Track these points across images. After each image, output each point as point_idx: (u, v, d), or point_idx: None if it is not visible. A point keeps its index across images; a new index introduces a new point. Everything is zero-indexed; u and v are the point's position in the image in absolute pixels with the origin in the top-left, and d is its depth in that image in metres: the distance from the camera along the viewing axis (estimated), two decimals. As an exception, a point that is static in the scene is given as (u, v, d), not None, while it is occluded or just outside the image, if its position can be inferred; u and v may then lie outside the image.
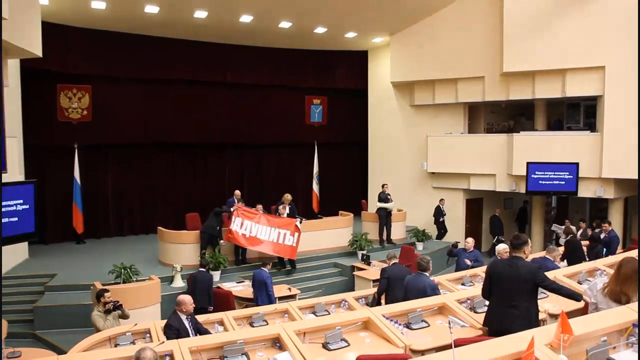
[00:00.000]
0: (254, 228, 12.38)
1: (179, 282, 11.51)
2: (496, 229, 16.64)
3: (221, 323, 6.62)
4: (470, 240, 9.70)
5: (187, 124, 16.75)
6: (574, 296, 5.01)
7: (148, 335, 6.14)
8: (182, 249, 12.59)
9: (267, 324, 6.51)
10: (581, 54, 13.93)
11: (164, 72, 16.05)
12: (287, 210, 13.29)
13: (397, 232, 15.28)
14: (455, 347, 3.57)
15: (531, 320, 4.91)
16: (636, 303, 4.11)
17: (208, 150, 17.63)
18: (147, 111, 16.11)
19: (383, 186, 14.94)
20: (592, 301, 4.77)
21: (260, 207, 13.14)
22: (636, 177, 13.56)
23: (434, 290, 6.78)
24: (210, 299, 9.58)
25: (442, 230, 16.63)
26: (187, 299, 6.50)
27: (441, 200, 16.70)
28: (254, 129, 17.91)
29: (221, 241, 12.41)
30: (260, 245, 12.39)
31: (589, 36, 13.75)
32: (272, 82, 18.01)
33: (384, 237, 14.88)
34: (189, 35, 15.92)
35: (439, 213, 16.62)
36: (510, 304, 4.98)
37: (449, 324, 3.12)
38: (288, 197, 13.62)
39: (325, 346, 5.09)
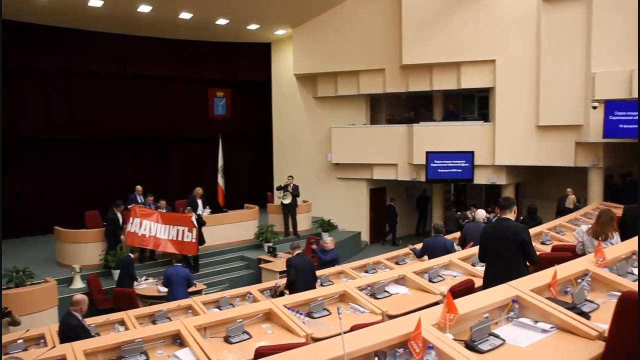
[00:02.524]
0: (153, 227, 12.12)
1: (78, 283, 11.12)
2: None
3: (122, 323, 6.43)
4: (329, 239, 9.67)
5: (85, 117, 16.06)
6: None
7: (42, 340, 5.89)
8: (82, 248, 12.18)
9: (171, 321, 6.37)
10: (474, 48, 14.61)
11: (58, 64, 15.28)
12: (201, 206, 13.15)
13: (303, 223, 15.44)
14: (350, 332, 3.71)
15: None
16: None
17: (108, 145, 16.93)
18: (41, 104, 15.31)
19: (287, 178, 15.03)
20: (579, 240, 6.27)
21: (163, 202, 12.88)
22: (524, 164, 14.50)
23: (452, 246, 8.42)
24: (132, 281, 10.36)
25: (393, 231, 17.22)
26: (85, 298, 6.34)
27: (392, 199, 17.10)
28: (156, 122, 17.47)
29: (122, 237, 12.06)
30: (161, 244, 12.17)
31: (481, 32, 14.46)
32: (174, 74, 17.63)
33: (290, 228, 14.98)
34: (84, 25, 15.23)
35: (393, 213, 17.10)
36: (500, 265, 5.20)
37: (338, 310, 3.20)
38: (199, 190, 13.53)
39: (226, 340, 5.06)
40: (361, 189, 17.47)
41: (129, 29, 16.08)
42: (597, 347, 3.32)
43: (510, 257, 5.25)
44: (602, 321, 3.59)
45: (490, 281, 5.19)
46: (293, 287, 7.50)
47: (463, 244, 9.19)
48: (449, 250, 8.26)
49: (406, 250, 9.95)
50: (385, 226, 17.84)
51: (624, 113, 12.03)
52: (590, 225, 6.43)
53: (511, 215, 5.52)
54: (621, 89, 12.25)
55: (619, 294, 3.37)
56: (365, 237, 17.42)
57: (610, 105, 12.14)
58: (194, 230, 12.13)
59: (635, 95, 11.98)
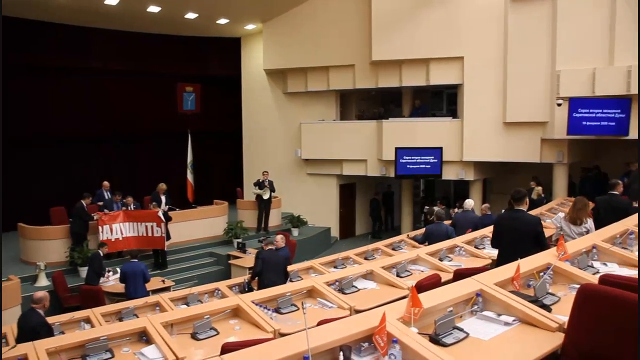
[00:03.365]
0: (123, 228, 12.24)
1: (43, 281, 10.93)
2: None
3: (88, 320, 6.36)
4: (280, 237, 9.33)
5: (48, 113, 15.75)
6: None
7: (4, 340, 5.79)
8: (47, 245, 11.96)
9: (138, 317, 6.31)
10: (443, 45, 14.73)
11: (23, 58, 14.91)
12: (164, 201, 13.03)
13: (273, 218, 15.42)
14: (317, 327, 3.73)
15: None
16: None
17: (74, 141, 16.61)
18: (4, 100, 14.90)
19: (263, 173, 14.97)
20: (557, 226, 7.02)
21: (130, 199, 12.76)
22: (492, 160, 14.71)
23: (452, 232, 9.00)
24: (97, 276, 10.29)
25: (376, 224, 17.62)
26: (47, 294, 6.32)
27: (376, 193, 17.14)
28: (124, 117, 17.22)
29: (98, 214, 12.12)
30: (133, 242, 12.22)
31: (450, 29, 14.58)
32: (142, 69, 17.40)
33: (262, 224, 14.94)
34: (49, 17, 14.90)
35: (378, 207, 17.37)
36: (516, 253, 5.32)
37: (303, 305, 3.22)
38: (163, 186, 13.34)
39: (193, 336, 5.03)
40: (331, 184, 17.52)
41: (95, 22, 15.79)
42: (557, 339, 3.39)
43: (522, 246, 5.61)
44: (562, 313, 3.67)
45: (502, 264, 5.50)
46: (259, 279, 7.51)
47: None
48: (449, 236, 8.78)
49: (374, 245, 10.05)
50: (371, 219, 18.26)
51: (587, 110, 12.29)
52: (567, 212, 7.09)
53: (523, 207, 6.04)
54: (584, 87, 12.49)
55: (579, 286, 3.44)
56: (335, 232, 17.48)
57: (574, 103, 12.37)
58: (162, 225, 12.11)
59: (598, 93, 12.29)
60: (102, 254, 10.51)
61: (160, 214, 12.13)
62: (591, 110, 12.25)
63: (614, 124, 12.17)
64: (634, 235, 5.72)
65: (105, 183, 13.23)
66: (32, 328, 5.74)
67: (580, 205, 6.75)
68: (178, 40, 17.91)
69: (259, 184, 14.78)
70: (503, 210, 8.27)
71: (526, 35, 13.53)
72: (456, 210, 12.90)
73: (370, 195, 18.27)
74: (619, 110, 12.11)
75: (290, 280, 7.76)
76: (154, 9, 15.02)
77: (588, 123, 12.33)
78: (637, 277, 4.44)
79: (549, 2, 13.15)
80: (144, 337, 4.93)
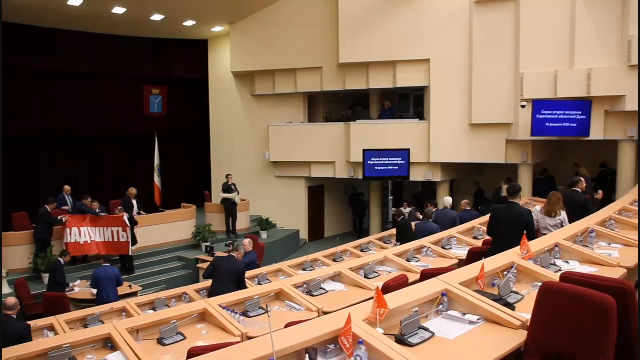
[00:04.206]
0: (92, 232, 12.12)
1: (5, 289, 10.64)
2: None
3: (51, 328, 6.22)
4: (247, 241, 9.24)
5: (10, 114, 15.30)
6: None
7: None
8: (8, 252, 11.64)
9: (104, 324, 6.20)
10: (409, 48, 14.87)
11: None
12: (136, 206, 12.92)
13: (241, 222, 15.32)
14: (284, 329, 3.72)
15: None
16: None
17: (38, 144, 16.28)
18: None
19: (227, 176, 14.90)
20: (535, 218, 7.16)
21: (96, 204, 12.54)
22: (458, 161, 14.89)
23: (438, 229, 9.46)
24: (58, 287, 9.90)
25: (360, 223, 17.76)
26: (17, 299, 6.19)
27: (361, 194, 17.14)
28: (89, 120, 16.90)
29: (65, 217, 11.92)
30: (101, 247, 12.11)
31: (416, 31, 14.73)
32: (107, 71, 17.09)
33: (230, 227, 14.85)
34: (11, 18, 14.54)
35: (362, 204, 17.42)
36: (509, 242, 5.90)
37: (266, 308, 3.21)
38: (133, 191, 13.23)
39: (160, 342, 4.95)
40: (299, 187, 17.49)
41: (58, 23, 15.50)
42: (520, 336, 3.45)
43: (514, 234, 6.02)
44: (526, 311, 3.73)
45: (495, 251, 5.93)
46: (210, 286, 7.42)
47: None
48: (434, 233, 9.28)
49: (343, 247, 10.11)
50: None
51: (550, 112, 12.55)
52: (543, 206, 7.65)
53: (518, 200, 6.82)
54: (547, 89, 12.75)
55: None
56: (303, 235, 17.46)
57: (538, 105, 12.61)
58: (128, 230, 12.00)
59: (560, 95, 12.56)
60: (63, 263, 10.23)
61: (126, 218, 12.00)
62: (554, 112, 12.51)
63: (575, 125, 12.46)
64: (594, 233, 5.86)
65: (67, 187, 12.99)
66: (19, 334, 5.60)
67: (555, 199, 7.29)
68: (144, 42, 17.67)
69: (227, 188, 14.68)
70: (480, 208, 8.71)
71: (490, 38, 13.75)
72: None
73: (342, 197, 18.39)
74: (580, 112, 12.40)
75: (259, 283, 7.73)
76: (119, 10, 14.80)
77: (551, 124, 12.60)
78: (598, 274, 4.56)
79: (513, 5, 13.38)
80: (109, 344, 4.83)
